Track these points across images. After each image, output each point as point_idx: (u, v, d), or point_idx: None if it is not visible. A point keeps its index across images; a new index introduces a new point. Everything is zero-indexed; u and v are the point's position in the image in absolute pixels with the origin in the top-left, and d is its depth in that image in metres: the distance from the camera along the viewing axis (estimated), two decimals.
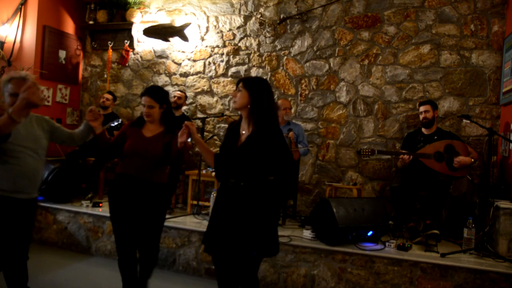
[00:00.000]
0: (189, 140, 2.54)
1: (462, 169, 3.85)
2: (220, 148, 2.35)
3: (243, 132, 2.24)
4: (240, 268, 2.24)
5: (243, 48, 5.29)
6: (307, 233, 3.65)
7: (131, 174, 2.68)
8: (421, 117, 4.05)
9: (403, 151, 4.05)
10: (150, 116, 2.73)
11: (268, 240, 2.21)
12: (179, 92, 4.95)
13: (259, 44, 5.22)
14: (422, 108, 4.04)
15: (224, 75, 5.37)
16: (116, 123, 3.37)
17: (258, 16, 5.22)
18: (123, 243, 2.69)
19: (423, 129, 4.11)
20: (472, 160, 3.81)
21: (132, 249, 2.72)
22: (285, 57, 5.10)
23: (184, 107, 5.46)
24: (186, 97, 5.06)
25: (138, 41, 5.75)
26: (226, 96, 5.33)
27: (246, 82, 2.23)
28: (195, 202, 4.48)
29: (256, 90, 2.19)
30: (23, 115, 2.01)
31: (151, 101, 2.72)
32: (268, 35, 5.17)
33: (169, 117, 2.84)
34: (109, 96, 5.15)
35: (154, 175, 2.70)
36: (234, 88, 5.35)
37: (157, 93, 2.75)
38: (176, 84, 5.58)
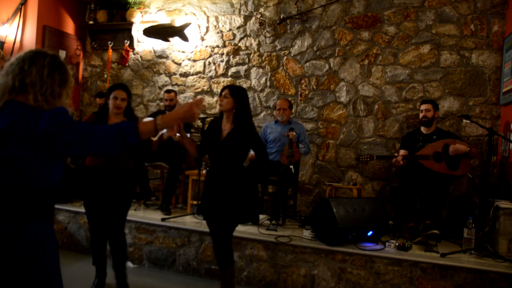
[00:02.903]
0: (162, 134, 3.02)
1: (462, 167, 3.85)
2: (202, 140, 2.94)
3: (225, 128, 2.83)
4: (220, 229, 2.83)
5: (243, 48, 5.29)
6: (307, 233, 3.65)
7: (99, 166, 2.97)
8: (421, 115, 4.05)
9: (399, 154, 4.04)
10: (121, 108, 3.01)
11: (243, 210, 2.80)
12: (167, 94, 4.88)
13: (259, 44, 5.22)
14: (423, 107, 4.03)
15: (224, 75, 5.37)
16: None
17: (258, 16, 5.22)
18: (95, 227, 3.11)
19: (422, 129, 4.10)
20: (468, 149, 3.79)
21: (103, 233, 3.10)
22: (285, 57, 5.10)
23: None
24: (176, 94, 4.97)
25: (138, 41, 5.75)
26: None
27: (232, 91, 2.77)
28: (195, 202, 4.48)
29: (239, 97, 2.78)
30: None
31: (124, 94, 3.01)
32: (268, 35, 5.17)
33: (130, 109, 3.19)
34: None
35: (118, 164, 2.99)
36: None
37: (127, 87, 3.08)
38: (176, 84, 5.58)
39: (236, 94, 2.78)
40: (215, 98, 5.37)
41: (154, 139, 3.78)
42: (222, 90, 2.82)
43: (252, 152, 4.36)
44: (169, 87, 5.55)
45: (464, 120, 4.23)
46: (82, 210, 4.28)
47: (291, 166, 3.74)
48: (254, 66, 5.23)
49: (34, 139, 1.41)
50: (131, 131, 1.47)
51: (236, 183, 2.79)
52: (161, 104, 5.39)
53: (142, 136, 1.49)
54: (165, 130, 2.59)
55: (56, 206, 4.38)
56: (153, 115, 4.95)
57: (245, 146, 2.85)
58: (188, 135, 2.94)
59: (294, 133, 4.06)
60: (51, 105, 1.49)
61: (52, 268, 1.51)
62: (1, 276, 1.39)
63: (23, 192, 1.43)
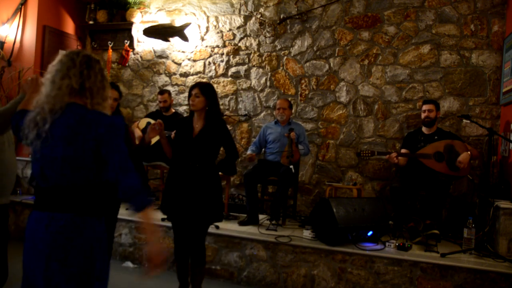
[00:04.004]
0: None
1: (463, 169, 3.84)
2: (175, 139, 2.88)
3: (196, 125, 2.82)
4: (192, 232, 2.79)
5: (243, 48, 5.29)
6: (307, 233, 3.65)
7: None
8: (423, 115, 4.02)
9: (402, 152, 4.06)
10: (113, 108, 2.96)
11: (216, 209, 2.80)
12: (160, 96, 4.86)
13: (259, 44, 5.22)
14: (426, 107, 4.01)
15: (224, 75, 5.37)
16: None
17: (258, 16, 5.22)
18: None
19: (423, 129, 4.10)
20: (470, 153, 3.80)
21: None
22: (285, 57, 5.10)
23: (185, 107, 5.47)
24: (170, 94, 4.95)
25: (138, 41, 5.75)
26: (226, 96, 5.33)
27: (202, 89, 2.77)
28: None
29: (210, 95, 2.79)
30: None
31: (117, 94, 2.97)
32: (268, 35, 5.17)
33: (118, 109, 3.13)
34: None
35: None
36: (235, 88, 5.39)
37: (119, 87, 3.04)
38: (176, 84, 5.58)
39: (207, 92, 2.78)
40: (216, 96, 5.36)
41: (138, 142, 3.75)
42: (191, 89, 2.79)
43: (249, 151, 4.37)
44: (169, 87, 5.55)
45: (464, 120, 4.23)
46: None
47: (291, 166, 3.74)
48: (254, 66, 5.23)
49: (93, 140, 1.55)
50: (139, 204, 1.56)
51: (210, 181, 2.77)
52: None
53: (141, 214, 1.57)
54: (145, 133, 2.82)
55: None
56: (152, 115, 4.95)
57: (218, 142, 2.84)
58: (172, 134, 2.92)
59: (294, 134, 4.06)
60: (101, 108, 1.65)
61: (105, 257, 1.66)
62: (67, 267, 1.52)
63: (81, 189, 1.58)
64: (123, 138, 1.62)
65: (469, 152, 3.79)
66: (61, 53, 1.69)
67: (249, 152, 4.34)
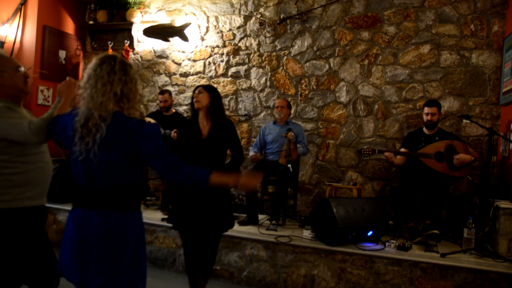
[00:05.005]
0: None
1: (463, 169, 3.84)
2: (180, 143, 2.79)
3: (203, 127, 2.70)
4: (204, 243, 2.66)
5: (243, 48, 5.29)
6: (307, 233, 3.65)
7: None
8: (425, 118, 3.99)
9: (402, 151, 4.06)
10: None
11: (229, 216, 2.73)
12: (161, 96, 4.87)
13: (259, 44, 5.22)
14: (429, 110, 3.96)
15: (224, 75, 5.37)
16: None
17: (258, 16, 5.22)
18: None
19: (424, 129, 4.10)
20: (472, 158, 3.79)
21: None
22: (285, 57, 5.10)
23: (185, 107, 5.47)
24: (170, 94, 4.96)
25: (138, 41, 5.75)
26: (226, 96, 5.33)
27: (206, 87, 2.73)
28: None
29: (214, 92, 2.73)
30: None
31: None
32: (268, 35, 5.17)
33: None
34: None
35: None
36: (235, 88, 5.40)
37: None
38: (176, 84, 5.58)
39: (210, 89, 2.74)
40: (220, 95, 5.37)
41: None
42: (195, 90, 2.75)
43: (251, 153, 4.37)
44: (169, 87, 5.55)
45: (464, 120, 4.23)
46: None
47: (289, 166, 3.74)
48: (254, 66, 5.23)
49: (134, 149, 1.67)
50: (204, 178, 1.76)
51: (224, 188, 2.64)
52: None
53: (211, 184, 1.78)
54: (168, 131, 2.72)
55: (56, 206, 4.39)
56: (152, 115, 4.95)
57: (227, 144, 2.74)
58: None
59: (293, 134, 4.06)
60: (135, 112, 1.74)
61: (144, 245, 1.81)
62: (119, 259, 1.67)
63: (124, 189, 1.71)
64: (162, 141, 1.73)
65: (472, 157, 3.78)
66: (97, 57, 1.75)
67: (252, 153, 4.35)
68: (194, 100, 2.72)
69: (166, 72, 5.65)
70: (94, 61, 1.74)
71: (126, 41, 5.73)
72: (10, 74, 2.08)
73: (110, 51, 5.77)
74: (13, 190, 2.03)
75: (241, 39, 5.30)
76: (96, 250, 1.65)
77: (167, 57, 5.64)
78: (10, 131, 1.96)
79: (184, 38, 5.41)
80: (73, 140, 1.69)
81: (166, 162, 1.72)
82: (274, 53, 5.15)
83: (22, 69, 2.16)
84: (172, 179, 1.80)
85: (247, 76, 5.27)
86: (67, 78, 2.15)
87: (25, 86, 2.16)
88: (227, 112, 5.27)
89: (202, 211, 2.59)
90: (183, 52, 5.56)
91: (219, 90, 5.32)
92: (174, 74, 5.61)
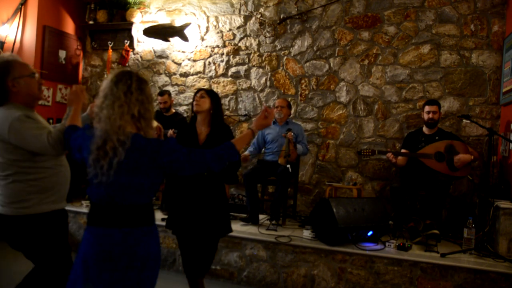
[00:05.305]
0: None
1: (463, 169, 3.84)
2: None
3: (201, 132, 2.68)
4: (201, 247, 2.63)
5: (243, 48, 5.29)
6: (307, 233, 3.65)
7: None
8: (426, 116, 3.99)
9: (402, 152, 4.06)
10: None
11: (226, 221, 2.70)
12: (160, 97, 4.86)
13: (259, 44, 5.22)
14: (430, 108, 3.97)
15: (224, 75, 5.37)
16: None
17: (258, 16, 5.22)
18: None
19: (424, 129, 4.10)
20: (472, 157, 3.79)
21: None
22: (285, 57, 5.10)
23: (185, 107, 5.47)
24: (170, 95, 4.96)
25: (138, 41, 5.75)
26: (226, 96, 5.33)
27: (208, 92, 2.71)
28: None
29: (215, 98, 2.71)
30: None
31: None
32: (268, 35, 5.17)
33: None
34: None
35: None
36: (235, 88, 5.39)
37: None
38: (176, 84, 5.58)
39: (212, 95, 2.71)
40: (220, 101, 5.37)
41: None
42: (197, 92, 2.71)
43: (246, 152, 4.36)
44: (169, 87, 5.55)
45: (464, 120, 4.23)
46: (82, 210, 4.29)
47: (288, 166, 3.74)
48: (254, 66, 5.23)
49: (157, 169, 1.68)
50: (232, 153, 1.83)
51: (218, 190, 2.65)
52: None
53: (239, 149, 1.87)
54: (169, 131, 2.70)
55: None
56: None
57: None
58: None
59: (292, 134, 4.06)
60: (150, 131, 1.73)
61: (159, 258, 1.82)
62: (145, 272, 1.69)
63: (146, 205, 1.72)
64: (180, 146, 1.74)
65: (472, 156, 3.79)
66: (113, 73, 1.71)
67: (246, 152, 4.35)
68: (195, 103, 2.68)
69: (166, 72, 5.65)
70: (110, 78, 1.70)
71: (126, 41, 5.73)
72: (26, 81, 2.08)
73: (110, 52, 5.77)
74: (36, 196, 2.04)
75: (241, 39, 5.30)
76: (121, 266, 1.63)
77: (167, 57, 5.64)
78: (30, 142, 1.97)
79: (184, 38, 5.41)
80: (87, 161, 1.67)
81: (192, 165, 1.74)
82: (274, 53, 5.15)
83: (37, 75, 2.15)
84: (204, 172, 1.83)
85: (247, 76, 5.27)
86: (74, 87, 2.12)
87: (39, 93, 2.17)
88: (227, 112, 5.28)
89: (199, 216, 2.57)
90: (183, 52, 5.56)
91: (219, 90, 5.37)
92: (174, 74, 5.61)
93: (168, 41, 5.50)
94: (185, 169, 1.74)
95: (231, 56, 5.33)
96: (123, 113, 1.63)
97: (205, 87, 2.79)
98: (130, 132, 1.64)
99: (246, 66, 5.27)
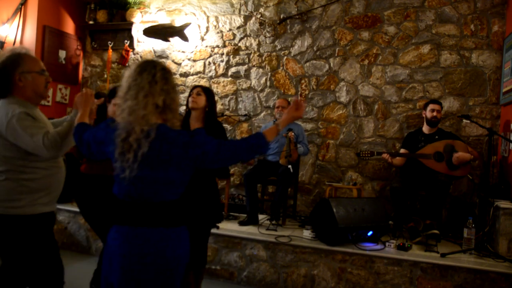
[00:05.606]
0: None
1: (462, 168, 3.84)
2: None
3: (194, 127, 2.70)
4: (192, 238, 2.63)
5: (243, 48, 5.29)
6: (307, 233, 3.65)
7: (96, 174, 2.77)
8: (430, 114, 3.99)
9: (401, 152, 4.06)
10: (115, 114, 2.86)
11: (215, 212, 2.75)
12: None
13: (259, 44, 5.22)
14: (434, 106, 3.99)
15: (224, 75, 5.37)
16: None
17: (258, 16, 5.22)
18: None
19: (424, 129, 4.10)
20: (472, 156, 3.80)
21: None
22: (285, 57, 5.10)
23: (184, 107, 5.46)
24: None
25: (138, 41, 5.75)
26: (226, 96, 5.33)
27: (204, 89, 2.75)
28: None
29: (211, 96, 2.76)
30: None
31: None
32: (268, 35, 5.17)
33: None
34: None
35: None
36: (235, 88, 5.39)
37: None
38: (176, 84, 5.57)
39: (208, 92, 2.75)
40: (215, 98, 5.36)
41: None
42: (193, 89, 2.74)
43: None
44: None
45: (464, 120, 4.23)
46: None
47: (289, 166, 3.74)
48: (254, 66, 5.23)
49: (190, 161, 1.61)
50: (263, 144, 1.76)
51: (208, 182, 2.68)
52: None
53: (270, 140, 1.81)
54: None
55: (56, 206, 4.38)
56: None
57: None
58: None
59: (293, 134, 4.06)
60: (177, 123, 1.66)
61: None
62: (177, 273, 1.64)
63: (172, 203, 1.64)
64: (211, 138, 1.68)
65: (471, 156, 3.79)
66: (136, 64, 1.65)
67: None
68: (191, 99, 2.70)
69: None
70: (133, 68, 1.64)
71: (126, 41, 5.73)
72: (34, 77, 2.03)
73: (110, 52, 5.77)
74: (28, 196, 1.98)
75: (241, 39, 5.30)
76: (151, 267, 1.57)
77: (167, 57, 5.64)
78: (24, 141, 1.91)
79: (184, 38, 5.41)
80: (113, 155, 1.59)
81: (224, 156, 1.65)
82: (274, 53, 5.15)
83: (46, 73, 2.10)
84: (235, 163, 1.80)
85: (247, 76, 5.27)
86: (84, 90, 2.07)
87: (45, 91, 2.11)
88: (227, 112, 5.28)
89: (191, 205, 2.59)
90: (183, 52, 5.56)
91: (219, 90, 5.38)
92: (174, 74, 5.60)
93: (168, 41, 5.50)
94: (217, 161, 1.66)
95: (231, 56, 5.33)
96: (147, 103, 1.56)
97: (200, 85, 2.78)
98: (155, 123, 1.58)
99: (246, 66, 5.27)
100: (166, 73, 1.66)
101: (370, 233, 3.53)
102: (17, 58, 2.01)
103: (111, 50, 5.79)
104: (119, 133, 1.57)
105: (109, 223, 2.43)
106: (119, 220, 1.62)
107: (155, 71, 1.62)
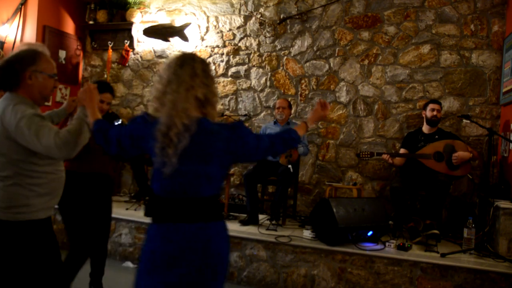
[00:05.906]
0: None
1: (462, 168, 3.85)
2: None
3: None
4: None
5: (243, 48, 5.29)
6: (307, 233, 3.65)
7: (76, 171, 2.71)
8: (430, 114, 4.00)
9: (401, 152, 4.06)
10: (104, 111, 2.86)
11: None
12: None
13: (259, 44, 5.22)
14: (434, 106, 4.01)
15: (224, 75, 5.37)
16: (118, 123, 3.41)
17: (258, 16, 5.22)
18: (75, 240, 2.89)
19: (424, 128, 4.10)
20: (471, 155, 3.80)
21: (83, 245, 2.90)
22: (285, 57, 5.10)
23: None
24: None
25: (138, 41, 5.75)
26: (226, 96, 5.33)
27: None
28: None
29: None
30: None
31: (111, 98, 2.91)
32: (268, 35, 5.17)
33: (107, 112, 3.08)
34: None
35: (99, 167, 2.86)
36: (235, 88, 5.38)
37: (113, 89, 2.97)
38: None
39: None
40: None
41: None
42: None
43: None
44: None
45: (464, 120, 4.23)
46: None
47: (290, 166, 3.74)
48: (254, 66, 5.23)
49: (231, 154, 1.61)
50: (296, 139, 1.82)
51: None
52: None
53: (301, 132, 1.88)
54: None
55: (56, 206, 4.38)
56: None
57: None
58: None
59: None
60: (215, 116, 1.66)
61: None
62: (221, 270, 1.60)
63: (216, 197, 1.63)
64: (250, 131, 1.72)
65: (471, 154, 3.79)
66: (174, 57, 1.62)
67: None
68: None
69: None
70: (172, 61, 1.61)
71: (126, 41, 5.73)
72: (45, 78, 1.97)
73: (110, 52, 5.77)
74: (33, 201, 1.92)
75: (241, 39, 5.30)
76: (196, 263, 1.52)
77: (167, 57, 5.63)
78: (36, 141, 1.83)
79: (184, 38, 5.41)
80: (153, 150, 1.55)
81: (262, 149, 1.69)
82: (274, 53, 5.15)
83: (56, 78, 2.05)
84: (269, 157, 1.83)
85: (247, 76, 5.27)
86: (86, 85, 2.01)
87: (50, 94, 2.07)
88: (227, 112, 5.28)
89: None
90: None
91: (219, 90, 5.37)
92: None
93: (168, 41, 5.50)
94: (255, 154, 1.68)
95: (231, 56, 5.33)
96: (188, 97, 1.54)
97: None
98: (195, 117, 1.55)
99: (246, 66, 5.27)
100: (206, 66, 1.64)
101: (370, 233, 3.53)
102: (34, 55, 1.96)
103: (111, 50, 5.80)
104: (160, 128, 1.54)
105: (83, 221, 2.41)
106: (159, 218, 1.58)
107: (195, 64, 1.60)
